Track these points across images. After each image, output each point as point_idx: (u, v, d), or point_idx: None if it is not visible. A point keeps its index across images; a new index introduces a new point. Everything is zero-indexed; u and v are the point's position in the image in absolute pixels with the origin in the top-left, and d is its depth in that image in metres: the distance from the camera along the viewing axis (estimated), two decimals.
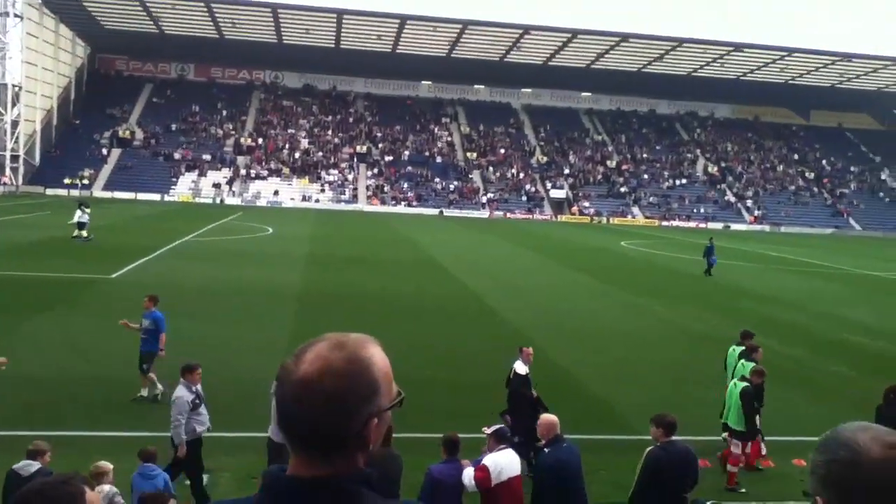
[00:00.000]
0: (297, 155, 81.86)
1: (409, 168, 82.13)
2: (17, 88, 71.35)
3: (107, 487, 6.51)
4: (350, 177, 79.95)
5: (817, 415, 11.96)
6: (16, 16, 71.14)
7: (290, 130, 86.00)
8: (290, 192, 75.78)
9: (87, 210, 34.04)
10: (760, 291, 28.67)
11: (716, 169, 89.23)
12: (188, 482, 9.06)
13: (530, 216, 76.47)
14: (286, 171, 78.81)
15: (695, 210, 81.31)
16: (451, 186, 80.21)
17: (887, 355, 18.65)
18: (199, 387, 9.17)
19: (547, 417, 7.84)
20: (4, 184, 70.05)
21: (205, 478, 9.33)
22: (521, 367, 10.55)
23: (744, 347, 11.88)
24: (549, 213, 78.41)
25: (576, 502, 7.53)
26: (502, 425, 8.16)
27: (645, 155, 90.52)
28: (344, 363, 1.52)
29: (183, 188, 74.29)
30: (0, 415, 11.00)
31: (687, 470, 7.76)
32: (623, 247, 46.50)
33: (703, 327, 21.02)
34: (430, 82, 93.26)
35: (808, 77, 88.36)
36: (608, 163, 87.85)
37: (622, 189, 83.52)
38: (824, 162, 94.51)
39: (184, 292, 21.36)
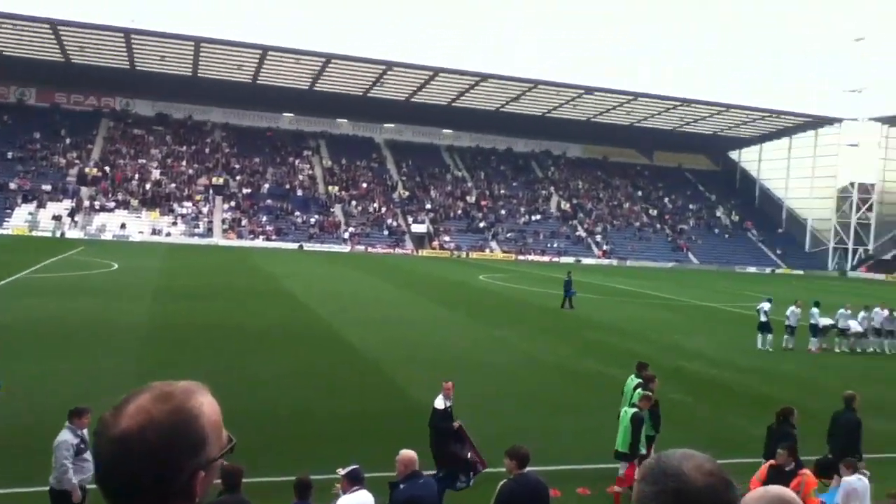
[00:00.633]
0: (147, 186, 78.17)
1: (269, 201, 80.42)
2: None
3: None
4: (205, 209, 77.21)
5: (656, 438, 12.50)
6: None
7: (140, 160, 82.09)
8: (138, 226, 72.13)
9: None
10: (608, 322, 30.01)
11: (568, 205, 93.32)
12: None
13: (392, 250, 76.72)
14: (134, 203, 75.03)
15: (549, 245, 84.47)
16: (312, 220, 79.22)
17: (718, 381, 19.94)
18: (84, 431, 8.52)
19: (405, 453, 7.77)
20: None
21: None
22: (439, 402, 10.73)
23: (640, 379, 12.47)
24: (411, 247, 79.00)
25: None
26: (356, 466, 7.97)
27: (503, 191, 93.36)
28: (167, 416, 1.47)
29: (18, 220, 69.00)
30: None
31: (538, 501, 7.89)
32: (481, 280, 47.47)
33: (555, 358, 21.67)
34: (292, 114, 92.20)
35: (652, 120, 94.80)
36: (468, 198, 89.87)
37: (481, 224, 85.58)
38: (666, 200, 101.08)
39: (12, 332, 19.72)
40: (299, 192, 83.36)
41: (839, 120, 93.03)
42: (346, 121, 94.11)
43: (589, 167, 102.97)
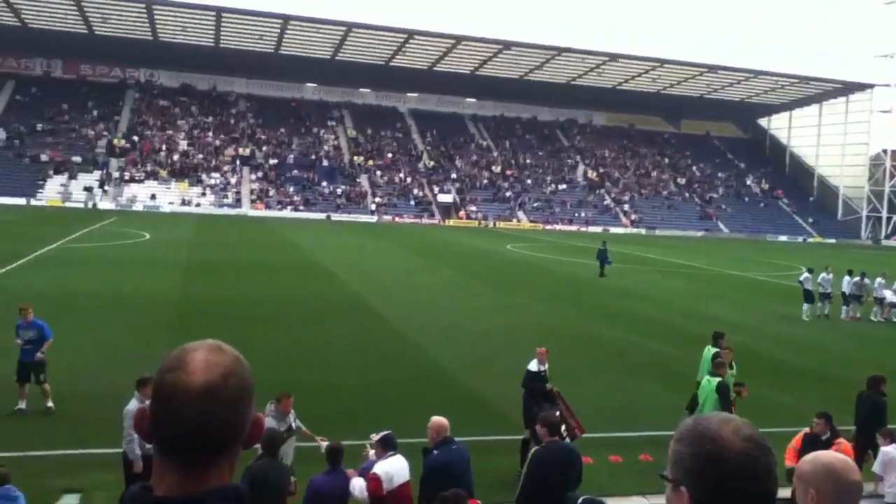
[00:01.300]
0: (175, 157, 78.80)
1: (295, 171, 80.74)
2: None
3: None
4: (233, 180, 77.75)
5: (678, 406, 12.57)
6: None
7: (167, 131, 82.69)
8: (168, 196, 72.87)
9: None
10: (634, 291, 29.96)
11: (595, 174, 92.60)
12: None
13: (418, 220, 76.83)
14: (164, 173, 75.72)
15: (576, 214, 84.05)
16: (339, 190, 79.46)
17: (743, 349, 19.89)
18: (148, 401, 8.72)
19: (437, 420, 7.86)
20: None
21: (76, 497, 8.84)
22: (533, 365, 11.23)
23: (717, 348, 12.58)
24: (438, 217, 79.06)
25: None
26: (389, 431, 8.11)
27: (528, 160, 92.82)
28: (234, 363, 1.53)
29: (51, 192, 70.00)
30: None
31: (570, 468, 7.97)
32: (509, 250, 47.48)
33: (583, 327, 21.73)
34: (315, 84, 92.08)
35: (679, 87, 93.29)
36: (493, 168, 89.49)
37: (507, 193, 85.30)
38: (694, 168, 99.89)
39: (51, 301, 20.14)
40: (325, 163, 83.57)
41: (870, 86, 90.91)
42: (369, 90, 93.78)
43: (615, 135, 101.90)
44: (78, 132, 78.63)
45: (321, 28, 75.26)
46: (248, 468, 7.00)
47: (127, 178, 74.00)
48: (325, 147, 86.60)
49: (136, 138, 79.81)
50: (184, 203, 72.12)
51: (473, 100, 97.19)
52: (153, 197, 71.76)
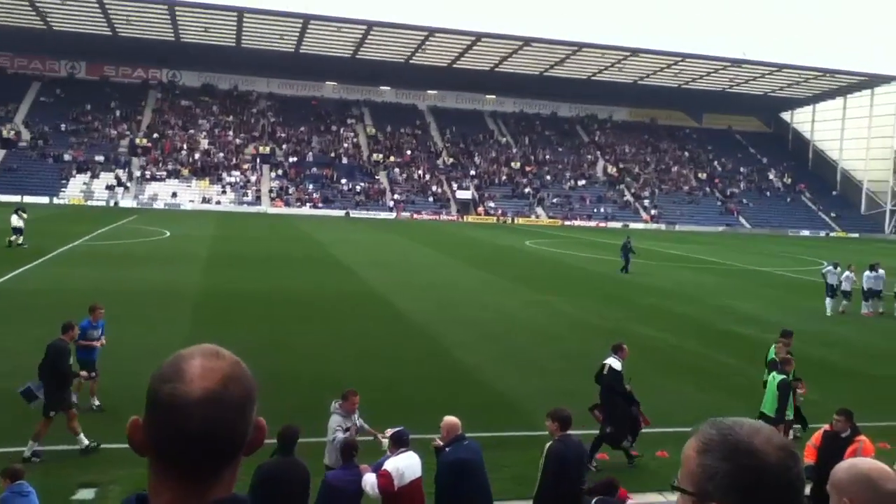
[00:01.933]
0: (196, 156, 79.42)
1: (314, 169, 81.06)
2: None
3: None
4: (253, 178, 78.20)
5: (703, 403, 12.41)
6: None
7: (188, 131, 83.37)
8: (189, 195, 73.45)
9: (25, 215, 32.84)
10: (657, 286, 29.71)
11: (615, 170, 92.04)
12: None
13: (437, 217, 76.83)
14: (185, 172, 76.34)
15: (595, 210, 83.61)
16: (358, 188, 79.66)
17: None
18: None
19: (449, 419, 7.87)
20: None
21: (91, 492, 8.89)
22: (616, 363, 10.99)
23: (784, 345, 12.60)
24: (456, 213, 79.00)
25: (478, 499, 7.57)
26: (401, 428, 8.08)
27: (548, 156, 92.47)
28: (233, 368, 1.48)
29: (74, 190, 70.85)
30: None
31: (581, 463, 7.97)
32: (528, 246, 47.31)
33: (603, 322, 21.57)
34: (334, 83, 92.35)
35: (701, 82, 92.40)
36: (512, 164, 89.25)
37: (526, 190, 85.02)
38: (716, 163, 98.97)
39: (74, 297, 20.33)
40: (344, 160, 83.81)
41: None
42: (388, 88, 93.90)
43: (636, 131, 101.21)
44: (101, 132, 79.52)
45: (342, 27, 75.44)
46: (259, 467, 6.96)
47: (148, 176, 74.70)
48: (345, 145, 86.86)
49: (157, 136, 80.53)
50: (204, 201, 72.67)
51: (493, 96, 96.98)
52: (174, 195, 72.37)
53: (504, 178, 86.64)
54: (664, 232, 76.29)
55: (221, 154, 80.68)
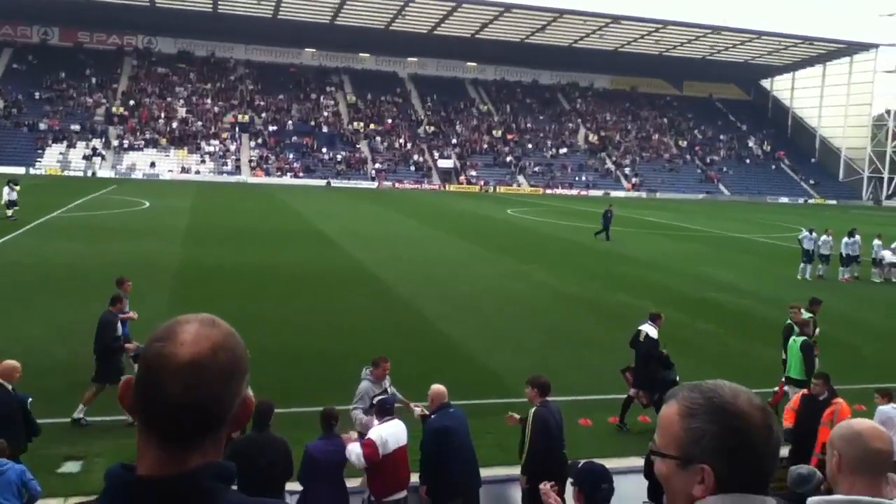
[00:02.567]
0: (174, 125, 78.36)
1: (295, 138, 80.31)
2: None
3: None
4: (232, 147, 77.38)
5: (679, 370, 12.59)
6: None
7: (166, 99, 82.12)
8: (168, 164, 72.59)
9: (17, 187, 32.09)
10: (636, 255, 29.94)
11: (596, 138, 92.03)
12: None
13: (419, 186, 76.60)
14: (163, 141, 75.37)
15: (577, 178, 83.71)
16: (339, 157, 79.10)
17: (750, 312, 19.93)
18: None
19: (436, 388, 7.99)
20: None
21: (77, 464, 8.94)
22: (652, 331, 11.41)
23: (811, 314, 12.83)
24: (438, 182, 78.79)
25: (463, 464, 7.72)
26: (385, 396, 8.17)
27: (529, 124, 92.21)
28: (226, 338, 1.48)
29: (50, 160, 69.75)
30: None
31: (562, 427, 8.16)
32: (509, 214, 47.40)
33: (583, 291, 21.77)
34: (313, 49, 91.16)
35: (681, 49, 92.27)
36: (494, 132, 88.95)
37: (508, 158, 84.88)
38: (696, 131, 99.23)
39: (52, 270, 20.21)
40: (324, 129, 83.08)
41: (875, 46, 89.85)
42: (368, 55, 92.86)
43: (617, 99, 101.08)
44: (76, 100, 78.15)
45: None
46: (228, 443, 6.94)
47: (126, 146, 73.68)
48: (325, 113, 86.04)
49: (133, 104, 79.29)
50: (183, 171, 71.89)
51: (474, 64, 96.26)
52: (152, 165, 71.52)
53: (485, 146, 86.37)
54: (645, 200, 76.62)
55: (200, 122, 79.62)
